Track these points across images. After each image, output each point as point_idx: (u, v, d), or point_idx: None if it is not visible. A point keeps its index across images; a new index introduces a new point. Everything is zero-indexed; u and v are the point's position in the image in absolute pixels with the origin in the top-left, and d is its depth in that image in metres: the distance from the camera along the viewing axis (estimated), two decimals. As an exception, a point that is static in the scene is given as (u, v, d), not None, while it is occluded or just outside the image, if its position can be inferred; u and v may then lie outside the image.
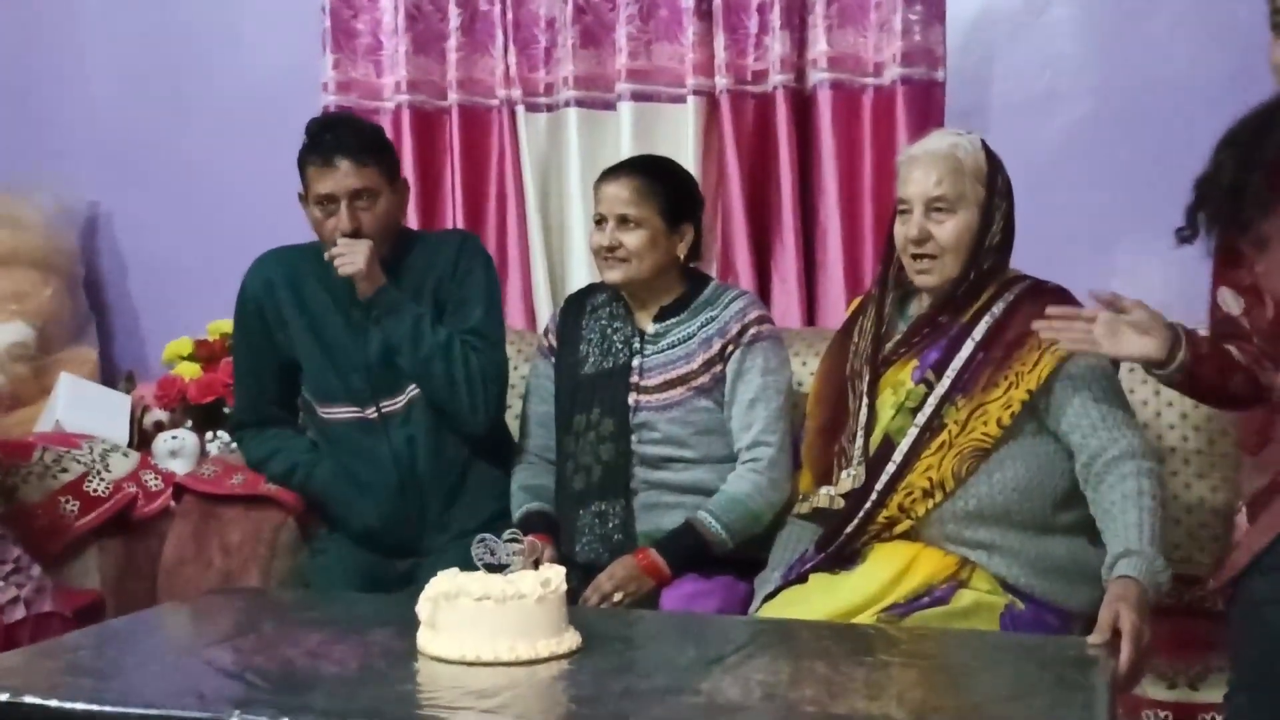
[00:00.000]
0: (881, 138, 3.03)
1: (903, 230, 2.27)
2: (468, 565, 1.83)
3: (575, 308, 2.69)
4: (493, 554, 1.83)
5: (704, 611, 2.33)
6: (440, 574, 1.82)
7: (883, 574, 2.17)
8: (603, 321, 2.61)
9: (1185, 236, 2.09)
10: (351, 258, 2.48)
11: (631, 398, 2.52)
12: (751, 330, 2.50)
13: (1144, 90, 2.97)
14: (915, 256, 2.26)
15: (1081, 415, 2.16)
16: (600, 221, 2.54)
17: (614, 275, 2.54)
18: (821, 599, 2.16)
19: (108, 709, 1.57)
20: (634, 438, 2.50)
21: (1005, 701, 1.60)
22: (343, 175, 2.50)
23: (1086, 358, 2.16)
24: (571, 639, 1.79)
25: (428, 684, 1.69)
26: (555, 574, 1.81)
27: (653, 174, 2.57)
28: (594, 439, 2.52)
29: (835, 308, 3.07)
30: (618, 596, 2.36)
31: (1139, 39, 2.99)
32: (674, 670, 1.72)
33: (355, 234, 2.50)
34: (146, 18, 3.77)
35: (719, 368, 2.51)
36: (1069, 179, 2.97)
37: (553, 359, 2.67)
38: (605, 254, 2.53)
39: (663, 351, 2.54)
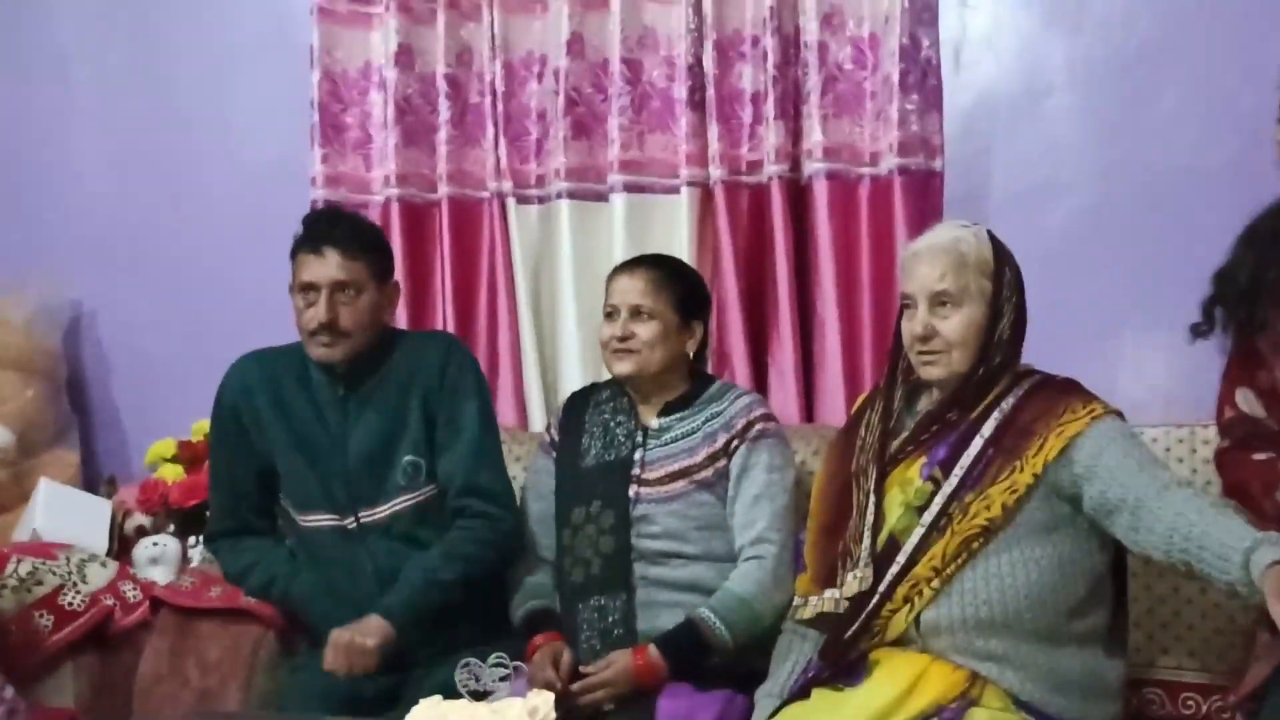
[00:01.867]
0: (879, 228, 2.97)
1: (908, 326, 2.22)
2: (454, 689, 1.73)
3: (579, 403, 2.66)
4: (477, 679, 1.74)
5: (701, 727, 2.24)
6: (421, 703, 1.72)
7: (889, 691, 2.06)
8: (605, 415, 2.58)
9: (1201, 332, 2.03)
10: (363, 663, 2.34)
11: (632, 490, 2.48)
12: (757, 427, 2.47)
13: (1146, 179, 2.91)
14: (921, 352, 2.20)
15: (1117, 467, 2.04)
16: (611, 314, 2.53)
17: (624, 367, 2.50)
18: (825, 718, 2.05)
19: None
20: (633, 531, 2.44)
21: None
22: (328, 265, 2.45)
23: (1100, 425, 2.08)
24: (561, 773, 1.69)
25: (406, 828, 1.58)
26: (544, 701, 1.71)
27: (666, 269, 2.57)
28: (593, 532, 2.46)
29: (834, 403, 2.99)
30: (608, 706, 2.28)
31: (1141, 127, 2.94)
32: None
33: (331, 325, 2.44)
34: (134, 112, 3.74)
35: (722, 462, 2.46)
36: (1071, 269, 2.89)
37: (553, 454, 2.61)
38: (616, 345, 2.50)
39: (665, 445, 2.51)
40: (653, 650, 2.32)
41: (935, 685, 2.05)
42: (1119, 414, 2.14)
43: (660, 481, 2.47)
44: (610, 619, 2.41)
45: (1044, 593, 2.08)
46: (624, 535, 2.44)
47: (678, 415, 2.52)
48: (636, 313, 2.49)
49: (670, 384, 2.55)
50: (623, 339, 2.49)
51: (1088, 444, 2.07)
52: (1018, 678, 2.06)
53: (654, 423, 2.53)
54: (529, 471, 2.68)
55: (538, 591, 2.52)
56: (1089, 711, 2.08)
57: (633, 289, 2.51)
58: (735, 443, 2.46)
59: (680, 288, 2.55)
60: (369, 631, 2.34)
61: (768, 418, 2.51)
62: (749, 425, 2.47)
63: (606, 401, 2.60)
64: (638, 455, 2.50)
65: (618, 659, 2.32)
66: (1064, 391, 2.16)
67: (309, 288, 2.46)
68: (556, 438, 2.63)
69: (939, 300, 2.17)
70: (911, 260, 2.23)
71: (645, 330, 2.49)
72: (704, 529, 2.44)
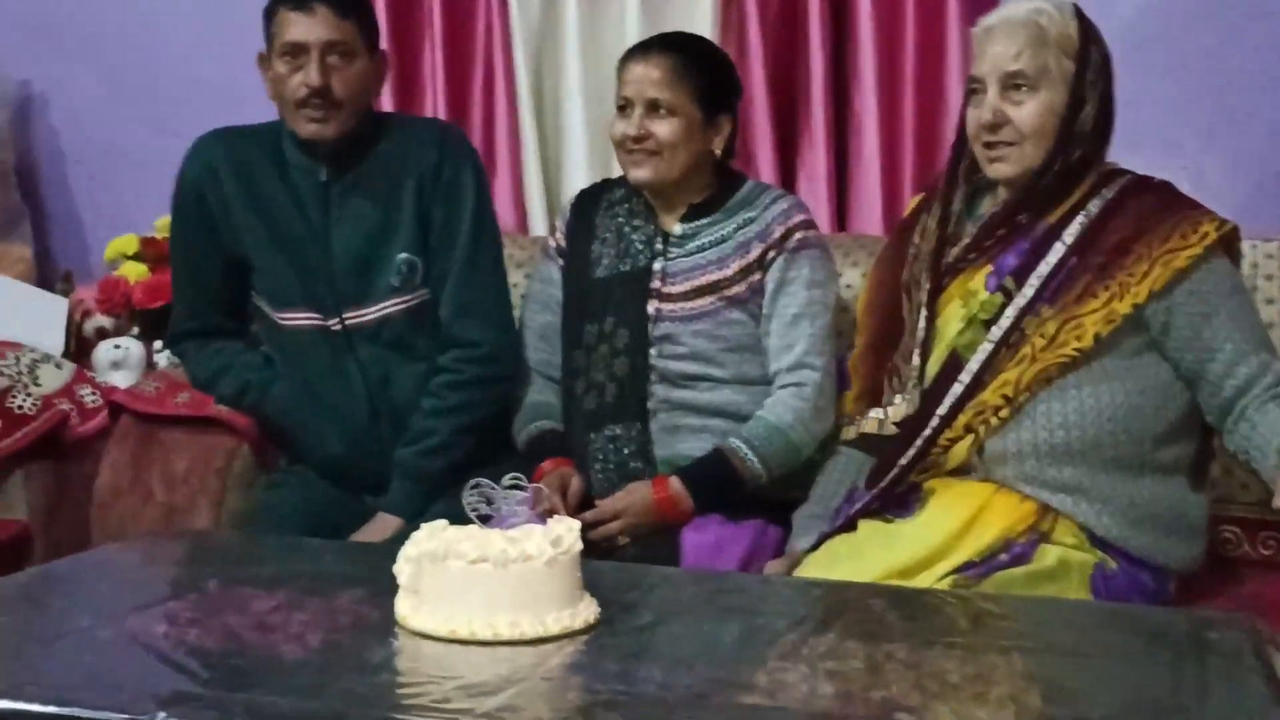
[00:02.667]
0: (928, 11, 2.64)
1: (975, 114, 1.93)
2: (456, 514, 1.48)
3: (588, 204, 2.35)
4: (489, 503, 1.48)
5: (730, 559, 2.03)
6: (423, 528, 1.46)
7: (948, 523, 1.83)
8: (620, 219, 2.28)
9: None
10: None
11: (651, 306, 2.20)
12: (797, 235, 2.18)
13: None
14: (989, 144, 1.91)
15: (1221, 337, 1.84)
16: (625, 107, 2.20)
17: (641, 173, 2.19)
18: (877, 553, 1.82)
19: (-5, 704, 1.22)
20: (654, 351, 2.19)
21: (1153, 707, 1.26)
22: (319, 23, 2.14)
23: (1211, 269, 1.84)
24: (587, 610, 1.44)
25: (410, 672, 1.34)
26: (568, 529, 1.46)
27: (688, 54, 2.22)
28: (607, 352, 2.21)
29: (869, 211, 2.73)
30: (623, 540, 2.05)
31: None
32: (719, 655, 1.38)
33: (324, 92, 2.14)
34: None
35: (757, 276, 2.18)
36: (1140, 64, 2.57)
37: (560, 261, 2.33)
38: (631, 146, 2.18)
39: (690, 255, 2.22)
40: (675, 482, 2.09)
41: (1001, 517, 1.83)
42: (1231, 234, 1.88)
43: (685, 297, 2.20)
44: (625, 450, 2.17)
45: (1130, 417, 1.85)
46: (640, 357, 2.19)
47: (705, 220, 2.23)
48: (654, 107, 2.17)
49: (694, 185, 2.24)
50: (639, 139, 2.18)
51: (1198, 290, 1.84)
52: (1093, 510, 1.84)
53: (676, 228, 2.24)
54: (532, 280, 2.41)
55: (543, 412, 2.28)
56: (1170, 550, 1.87)
57: (648, 79, 2.18)
58: (772, 254, 2.18)
59: (705, 75, 2.22)
60: (375, 535, 2.14)
61: (808, 224, 2.22)
62: (787, 234, 2.18)
63: (620, 203, 2.31)
64: (657, 265, 2.22)
65: (636, 489, 2.10)
66: (1166, 203, 1.89)
67: (296, 49, 2.15)
68: (563, 243, 2.34)
69: (1012, 82, 1.89)
70: (983, 37, 1.94)
71: (664, 128, 2.17)
72: (735, 350, 2.18)
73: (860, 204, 2.73)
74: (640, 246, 2.25)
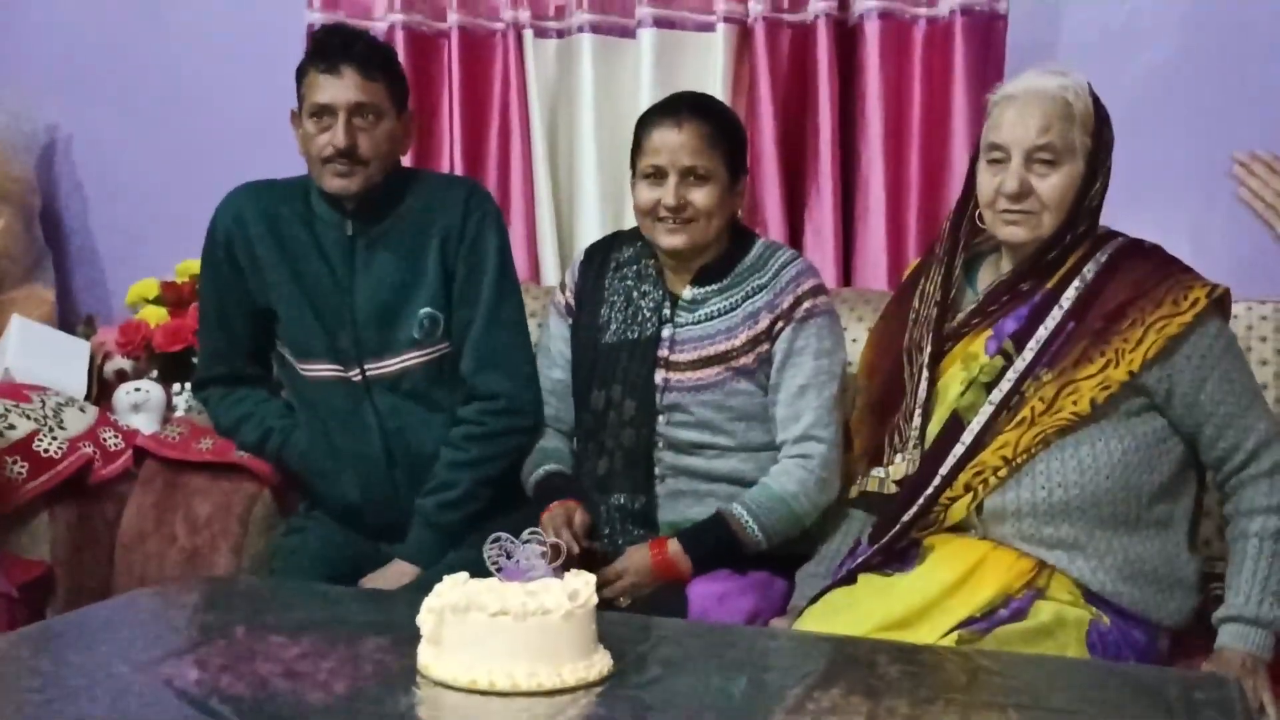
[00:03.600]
0: (934, 77, 2.72)
1: (994, 181, 1.96)
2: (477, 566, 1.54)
3: (598, 261, 2.36)
4: (509, 556, 1.54)
5: (737, 611, 2.08)
6: (445, 580, 1.52)
7: (943, 576, 1.90)
8: (629, 282, 2.29)
9: None
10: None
11: (659, 375, 2.22)
12: (806, 304, 2.19)
13: (1234, 31, 2.65)
14: (1008, 210, 1.96)
15: (1217, 399, 1.90)
16: (656, 175, 2.19)
17: (676, 240, 2.19)
18: (873, 605, 1.89)
19: (39, 748, 1.27)
20: (662, 419, 2.21)
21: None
22: (346, 86, 2.21)
23: (1205, 333, 1.89)
24: (602, 662, 1.50)
25: (431, 718, 1.40)
26: (584, 583, 1.52)
27: (716, 120, 2.23)
28: (615, 420, 2.23)
29: (874, 266, 2.79)
30: (624, 602, 2.11)
31: (1229, -28, 2.68)
32: (729, 709, 1.43)
33: (350, 152, 2.21)
34: (116, -76, 3.43)
35: (765, 346, 2.20)
36: (1145, 129, 2.64)
37: (569, 320, 2.36)
38: (668, 214, 2.18)
39: (699, 323, 2.23)
40: (674, 544, 2.12)
41: (998, 573, 1.89)
42: (1221, 298, 1.94)
43: (692, 366, 2.20)
44: (630, 521, 2.21)
45: (1126, 472, 1.91)
46: (647, 428, 2.20)
47: (714, 286, 2.23)
48: (688, 174, 2.16)
49: (710, 247, 2.24)
50: (677, 209, 2.17)
51: (1193, 355, 1.90)
52: (1089, 566, 1.90)
53: (686, 293, 2.24)
54: (543, 334, 2.41)
55: (551, 456, 2.30)
56: (1162, 605, 1.92)
57: (683, 147, 2.16)
58: (780, 324, 2.18)
59: (732, 139, 2.23)
60: (391, 581, 2.19)
61: (817, 290, 2.21)
62: (796, 303, 2.18)
63: (629, 264, 2.31)
64: (666, 332, 2.23)
65: (635, 551, 2.13)
66: (1158, 267, 1.95)
67: (324, 110, 2.22)
68: (572, 303, 2.35)
69: (1039, 156, 1.93)
70: (1005, 106, 1.97)
71: (702, 196, 2.16)
72: (741, 419, 2.20)
73: (866, 259, 2.79)
74: (648, 313, 2.25)
